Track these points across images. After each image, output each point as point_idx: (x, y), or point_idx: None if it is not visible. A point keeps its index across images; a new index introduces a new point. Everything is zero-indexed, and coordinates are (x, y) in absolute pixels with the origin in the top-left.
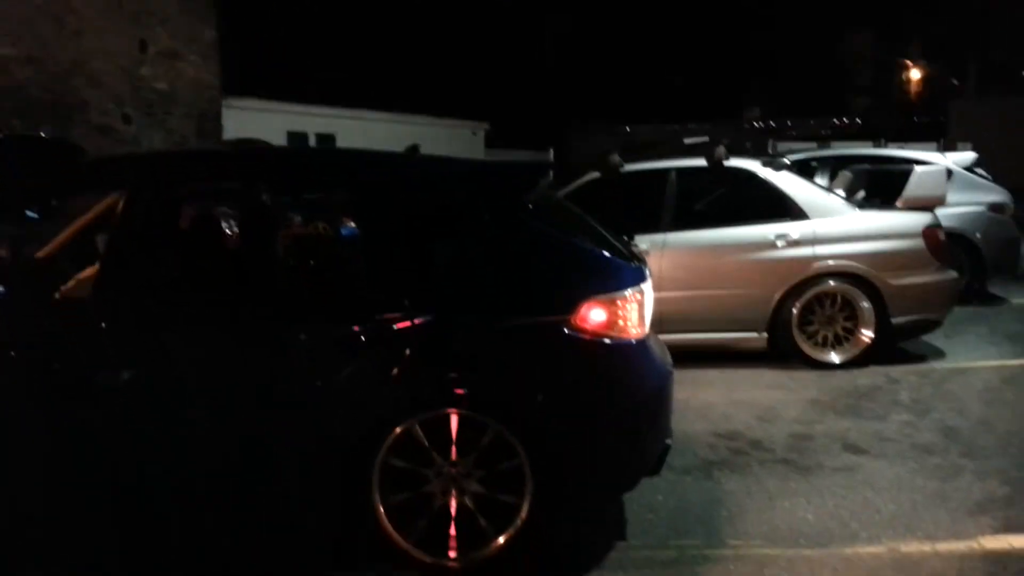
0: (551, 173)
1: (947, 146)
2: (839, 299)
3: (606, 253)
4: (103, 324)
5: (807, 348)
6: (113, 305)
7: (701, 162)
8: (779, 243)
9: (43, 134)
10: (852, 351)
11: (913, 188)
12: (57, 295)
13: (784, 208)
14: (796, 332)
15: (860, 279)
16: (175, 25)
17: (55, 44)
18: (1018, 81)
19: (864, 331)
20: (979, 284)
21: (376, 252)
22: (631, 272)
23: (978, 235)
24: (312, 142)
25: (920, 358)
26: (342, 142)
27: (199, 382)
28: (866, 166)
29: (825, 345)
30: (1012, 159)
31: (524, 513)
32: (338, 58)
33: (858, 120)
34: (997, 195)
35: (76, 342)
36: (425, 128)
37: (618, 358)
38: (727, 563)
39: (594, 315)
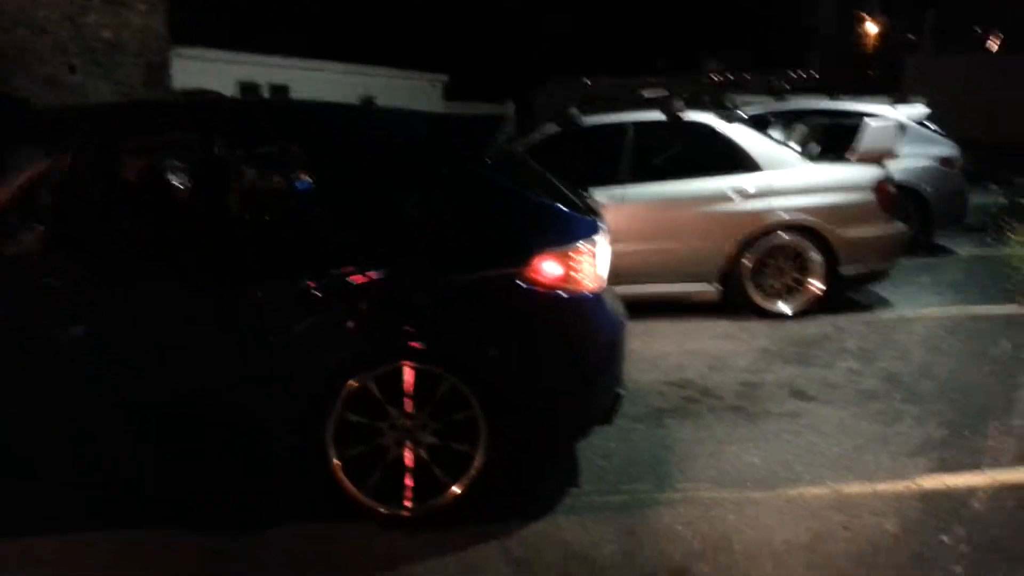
0: (509, 126)
1: (900, 100)
2: (790, 251)
3: (560, 206)
4: (52, 283)
5: (758, 299)
6: (62, 263)
7: (659, 116)
8: (734, 196)
9: None
10: (802, 302)
11: (865, 142)
12: (4, 254)
13: (739, 161)
14: (748, 284)
15: (812, 231)
16: None
17: None
18: (972, 38)
19: (814, 282)
20: (926, 236)
21: (330, 206)
22: (585, 225)
23: (927, 188)
24: (265, 93)
25: (867, 308)
26: (296, 93)
27: (150, 340)
28: (821, 119)
29: (776, 296)
30: (965, 114)
31: (478, 463)
32: (293, 7)
33: (814, 74)
34: (946, 148)
35: (25, 302)
36: (382, 80)
37: (572, 310)
38: (676, 506)
39: (548, 268)
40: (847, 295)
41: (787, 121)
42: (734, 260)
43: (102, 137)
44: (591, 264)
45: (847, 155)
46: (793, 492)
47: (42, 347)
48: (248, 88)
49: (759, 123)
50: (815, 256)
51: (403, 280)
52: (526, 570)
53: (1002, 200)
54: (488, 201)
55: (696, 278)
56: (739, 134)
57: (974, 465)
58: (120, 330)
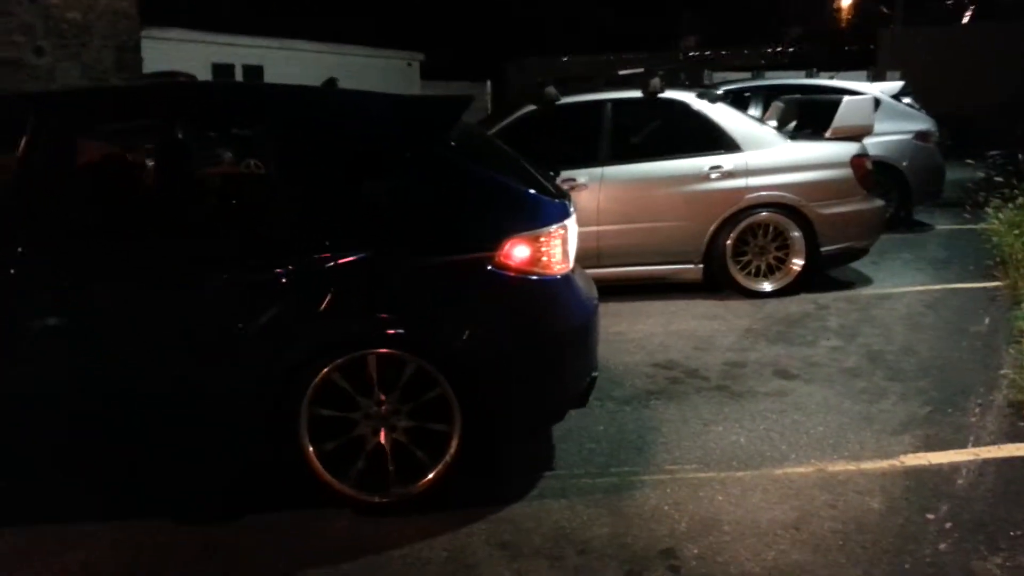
0: (471, 106)
1: (876, 75)
2: (771, 229)
3: (529, 189)
4: (11, 271)
5: (740, 278)
6: (21, 251)
7: (637, 94)
8: (713, 175)
9: None
10: (783, 280)
11: (841, 118)
12: None
13: (718, 140)
14: (730, 263)
15: (791, 209)
16: None
17: None
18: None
19: (795, 260)
20: (905, 211)
21: (293, 191)
22: (555, 208)
23: (904, 163)
24: (239, 74)
25: (848, 285)
26: (270, 74)
27: (116, 327)
28: (797, 96)
29: (758, 275)
30: (939, 87)
31: (454, 449)
32: None
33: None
34: (923, 123)
35: None
36: (358, 59)
37: (542, 294)
38: (664, 487)
39: (518, 252)
40: (828, 273)
41: (765, 98)
42: (716, 239)
43: (57, 123)
44: (561, 248)
45: (826, 133)
46: (779, 471)
47: (4, 335)
48: (222, 70)
49: (737, 100)
50: (795, 233)
51: (371, 265)
52: (516, 553)
53: (979, 174)
54: (454, 184)
55: (678, 258)
56: (717, 113)
57: (958, 442)
58: (84, 318)
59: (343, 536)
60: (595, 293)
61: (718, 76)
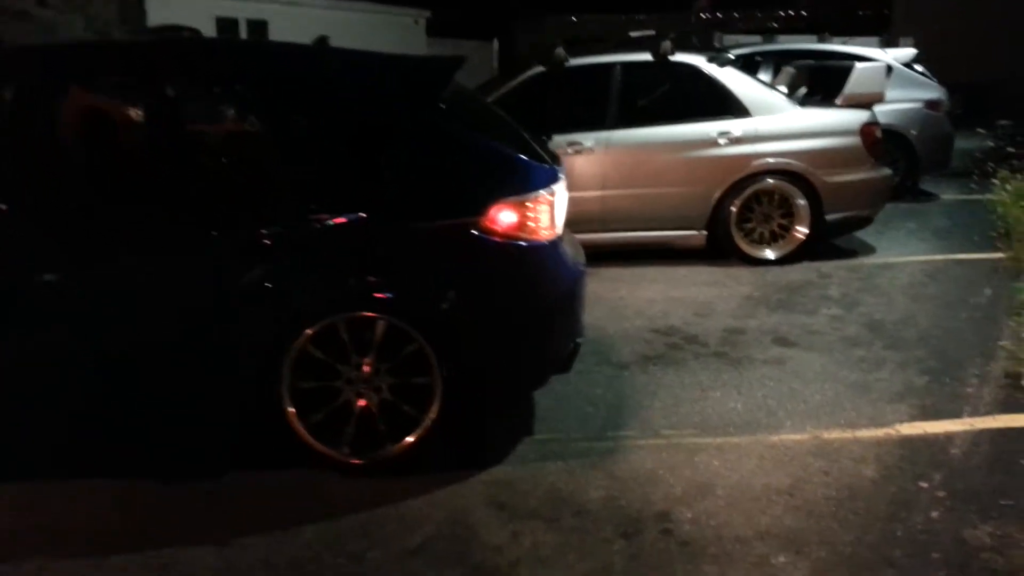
0: (463, 67)
1: (889, 42)
2: (776, 196)
3: (518, 154)
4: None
5: (744, 245)
6: (12, 212)
7: (647, 56)
8: (721, 140)
9: None
10: (787, 248)
11: (853, 85)
12: None
13: (727, 105)
14: (734, 229)
15: (798, 176)
16: None
17: None
18: None
19: (799, 228)
20: (912, 181)
21: (280, 153)
22: (543, 173)
23: (913, 132)
24: (243, 29)
25: (851, 253)
26: (275, 29)
27: (102, 287)
28: (809, 61)
29: (761, 242)
30: (955, 54)
31: (434, 413)
32: None
33: (803, 13)
34: (933, 92)
35: None
36: (363, 15)
37: (528, 260)
38: (660, 452)
39: (504, 217)
40: (832, 241)
41: (776, 62)
42: (721, 206)
43: (45, 79)
44: (549, 213)
45: (837, 100)
46: (774, 438)
47: None
48: (226, 23)
49: (747, 64)
50: (801, 201)
51: (356, 229)
52: (512, 514)
53: (989, 144)
54: (442, 148)
55: (682, 224)
56: (727, 77)
57: (953, 412)
58: (71, 278)
59: (339, 497)
60: (583, 259)
61: (728, 39)
